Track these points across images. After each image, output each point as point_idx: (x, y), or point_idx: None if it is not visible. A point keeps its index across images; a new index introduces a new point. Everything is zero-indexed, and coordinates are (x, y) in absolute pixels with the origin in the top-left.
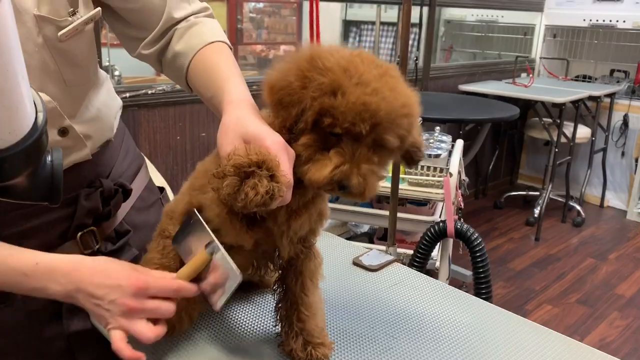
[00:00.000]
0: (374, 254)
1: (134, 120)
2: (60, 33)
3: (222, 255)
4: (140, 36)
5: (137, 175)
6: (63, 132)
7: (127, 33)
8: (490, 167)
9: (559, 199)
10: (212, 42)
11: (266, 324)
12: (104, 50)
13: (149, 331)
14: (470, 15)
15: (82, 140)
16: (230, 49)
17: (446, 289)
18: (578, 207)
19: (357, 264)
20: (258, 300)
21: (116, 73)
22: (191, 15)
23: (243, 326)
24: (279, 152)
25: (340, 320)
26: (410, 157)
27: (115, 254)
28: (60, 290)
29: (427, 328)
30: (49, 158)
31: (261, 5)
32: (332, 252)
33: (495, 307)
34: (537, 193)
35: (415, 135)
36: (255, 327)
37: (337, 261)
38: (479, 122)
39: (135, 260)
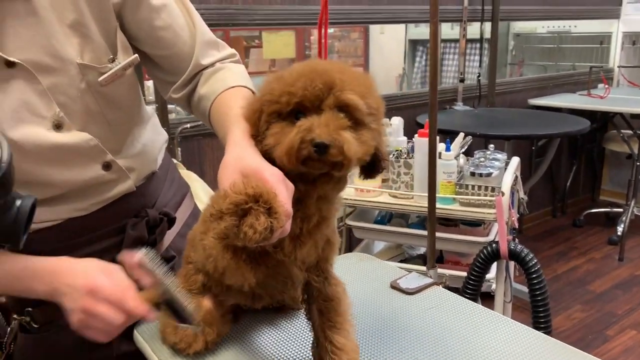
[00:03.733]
0: (412, 276)
1: (199, 149)
2: (100, 78)
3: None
4: (171, 80)
5: (182, 203)
6: (107, 166)
7: (160, 77)
8: (568, 183)
9: None
10: (234, 87)
11: (297, 354)
12: None
13: (101, 334)
14: (541, 27)
15: (126, 173)
16: (253, 92)
17: (485, 313)
18: None
19: (394, 287)
20: (288, 327)
21: None
22: (218, 62)
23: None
24: (277, 183)
25: (369, 344)
26: (372, 165)
27: None
28: (45, 290)
29: (460, 353)
30: (18, 202)
31: (332, 30)
32: (370, 274)
33: (542, 335)
34: (621, 210)
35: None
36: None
37: (374, 284)
38: (545, 137)
39: None
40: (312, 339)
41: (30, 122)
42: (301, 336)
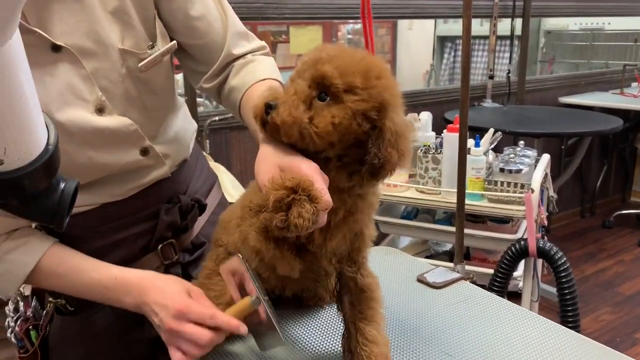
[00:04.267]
0: (439, 271)
1: (226, 142)
2: (140, 64)
3: (267, 312)
4: (203, 70)
5: (211, 191)
6: (144, 152)
7: (191, 67)
8: (598, 183)
9: None
10: (264, 79)
11: (328, 350)
12: None
13: (181, 356)
14: (573, 24)
15: (162, 159)
16: (282, 85)
17: (513, 309)
18: None
19: (421, 280)
20: (318, 317)
21: None
22: (249, 53)
23: (307, 351)
24: (315, 174)
25: (396, 336)
26: (372, 168)
27: (192, 264)
28: (132, 302)
29: (486, 347)
30: (61, 185)
31: (359, 26)
32: (397, 268)
33: (572, 332)
34: None
35: (389, 132)
36: (319, 354)
37: (401, 277)
38: (575, 136)
39: None
40: (342, 329)
41: (75, 105)
42: (332, 326)
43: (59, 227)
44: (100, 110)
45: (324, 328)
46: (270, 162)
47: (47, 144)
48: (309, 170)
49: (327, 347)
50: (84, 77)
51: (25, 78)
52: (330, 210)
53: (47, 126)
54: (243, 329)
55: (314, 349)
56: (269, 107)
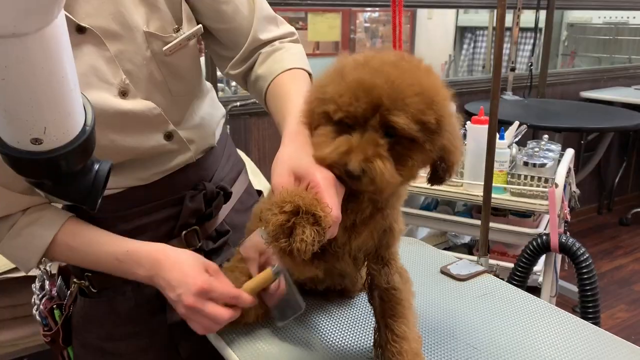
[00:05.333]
0: (463, 263)
1: (245, 128)
2: (165, 48)
3: (288, 282)
4: (229, 55)
5: (238, 179)
6: (168, 136)
7: (218, 52)
8: (617, 180)
9: None
10: (291, 69)
11: (359, 344)
12: None
13: (201, 329)
14: (597, 17)
15: (186, 144)
16: (310, 75)
17: (537, 303)
18: None
19: (445, 272)
20: (350, 311)
21: (233, 84)
22: (277, 40)
23: (336, 346)
24: (328, 187)
25: (421, 328)
26: (435, 172)
27: (215, 252)
28: (145, 275)
29: (511, 341)
30: (96, 166)
31: (376, 14)
32: (420, 259)
33: (594, 326)
34: None
35: (447, 140)
36: (349, 347)
37: (425, 269)
38: (598, 131)
39: None
40: (374, 323)
41: (98, 87)
42: (364, 320)
43: (92, 207)
44: (123, 94)
45: (356, 321)
46: (286, 166)
47: (85, 124)
48: (323, 181)
49: (358, 341)
50: (108, 60)
51: (68, 58)
52: (357, 210)
53: (84, 107)
54: (252, 300)
55: (345, 343)
56: (353, 176)
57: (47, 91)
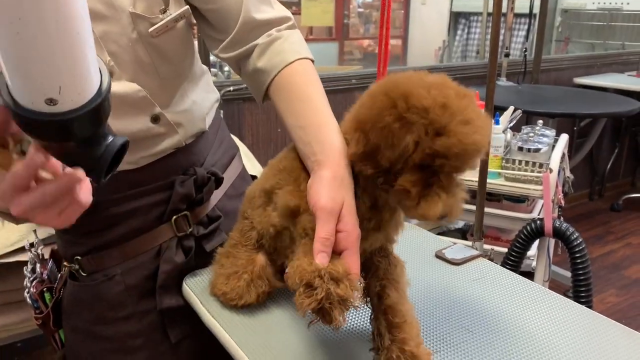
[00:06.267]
0: (458, 247)
1: (238, 113)
2: (151, 29)
3: None
4: (219, 37)
5: (230, 164)
6: (155, 119)
7: (208, 33)
8: (609, 166)
9: None
10: (295, 61)
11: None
12: None
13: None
14: (591, 3)
15: (174, 128)
16: (312, 61)
17: (532, 287)
18: None
19: (439, 256)
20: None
21: (226, 68)
22: (273, 25)
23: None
24: (355, 242)
25: (416, 311)
26: None
27: (206, 237)
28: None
29: (506, 324)
30: (109, 139)
31: (370, 0)
32: (415, 243)
33: (588, 310)
34: None
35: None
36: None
37: (419, 253)
38: (591, 117)
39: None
40: (370, 313)
41: None
42: (362, 310)
43: (97, 180)
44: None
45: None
46: (329, 211)
47: (100, 87)
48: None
49: (357, 326)
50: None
51: (84, 13)
52: (378, 215)
53: (100, 70)
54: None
55: (342, 330)
56: (443, 217)
57: (64, 47)
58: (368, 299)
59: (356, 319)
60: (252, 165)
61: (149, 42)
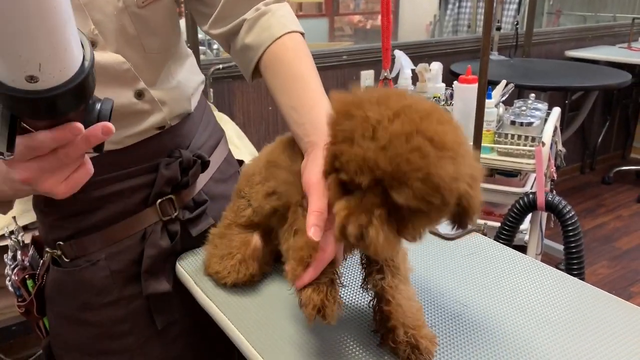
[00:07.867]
0: None
1: (228, 91)
2: None
3: None
4: (207, 12)
5: (217, 148)
6: (139, 94)
7: (196, 8)
8: (600, 139)
9: None
10: (283, 35)
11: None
12: None
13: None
14: None
15: (158, 105)
16: (302, 34)
17: (525, 261)
18: None
19: (433, 232)
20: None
21: (215, 46)
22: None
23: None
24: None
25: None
26: (458, 218)
27: (192, 221)
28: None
29: (500, 297)
30: (98, 105)
31: None
32: None
33: (580, 281)
34: None
35: (468, 198)
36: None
37: None
38: (583, 90)
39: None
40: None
41: None
42: (362, 294)
43: (98, 150)
44: (91, 44)
45: (350, 285)
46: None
47: (83, 62)
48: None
49: (352, 302)
50: (77, 8)
51: None
52: None
53: (82, 44)
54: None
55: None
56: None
57: (41, 22)
58: (370, 286)
59: (354, 298)
60: (243, 145)
61: (135, 12)
